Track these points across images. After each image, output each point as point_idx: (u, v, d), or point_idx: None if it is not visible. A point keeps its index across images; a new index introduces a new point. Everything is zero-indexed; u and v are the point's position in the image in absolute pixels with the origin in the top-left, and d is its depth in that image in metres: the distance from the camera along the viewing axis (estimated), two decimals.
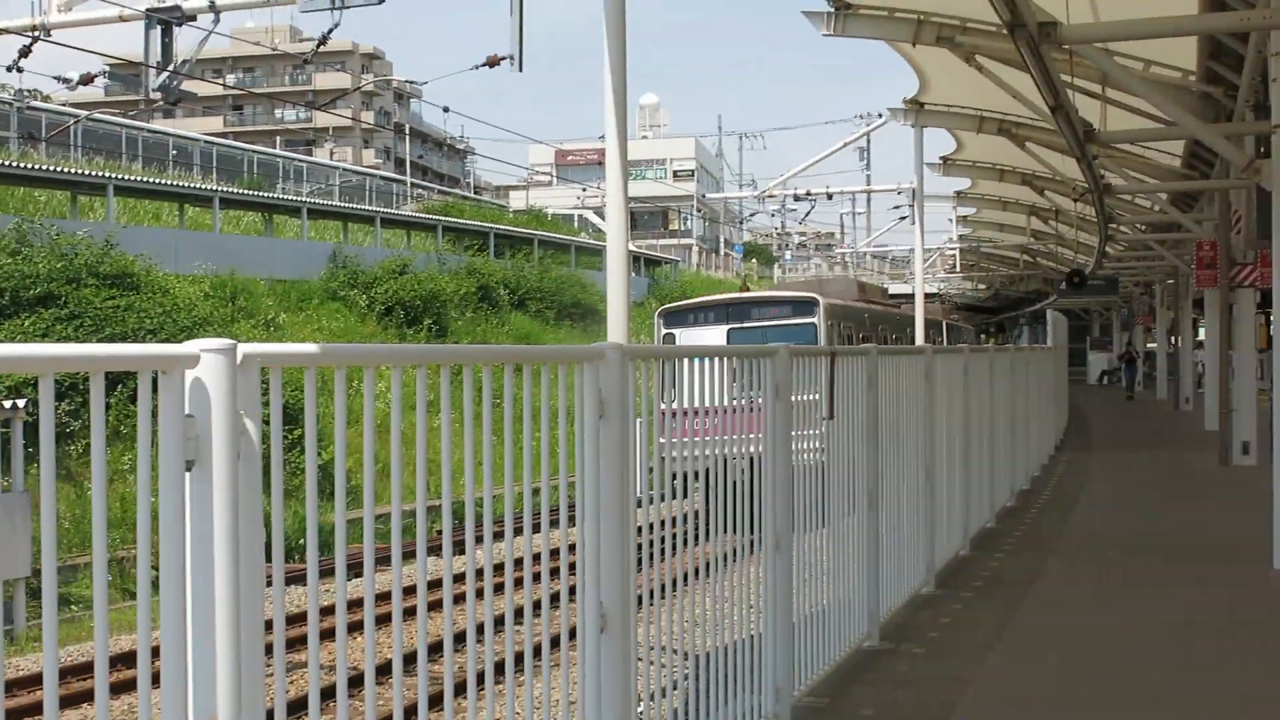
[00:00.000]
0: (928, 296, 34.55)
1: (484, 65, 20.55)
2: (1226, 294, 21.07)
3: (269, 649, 3.05)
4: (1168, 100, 15.02)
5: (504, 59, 19.54)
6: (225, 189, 43.77)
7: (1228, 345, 21.44)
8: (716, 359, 6.12)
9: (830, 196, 49.90)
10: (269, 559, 3.10)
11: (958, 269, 67.96)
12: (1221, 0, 13.49)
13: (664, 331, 25.10)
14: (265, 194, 47.59)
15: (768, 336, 23.03)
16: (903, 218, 60.61)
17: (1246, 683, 7.82)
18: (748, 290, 28.83)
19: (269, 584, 3.11)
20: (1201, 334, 36.16)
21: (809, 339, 23.62)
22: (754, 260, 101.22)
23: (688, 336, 24.34)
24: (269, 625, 3.10)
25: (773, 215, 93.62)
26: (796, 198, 51.31)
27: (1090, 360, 66.12)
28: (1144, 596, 10.52)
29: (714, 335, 24.29)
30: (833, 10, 16.35)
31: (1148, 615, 9.78)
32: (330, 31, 18.88)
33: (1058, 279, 41.67)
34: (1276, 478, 11.28)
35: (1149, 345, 54.42)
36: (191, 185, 42.58)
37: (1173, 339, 41.17)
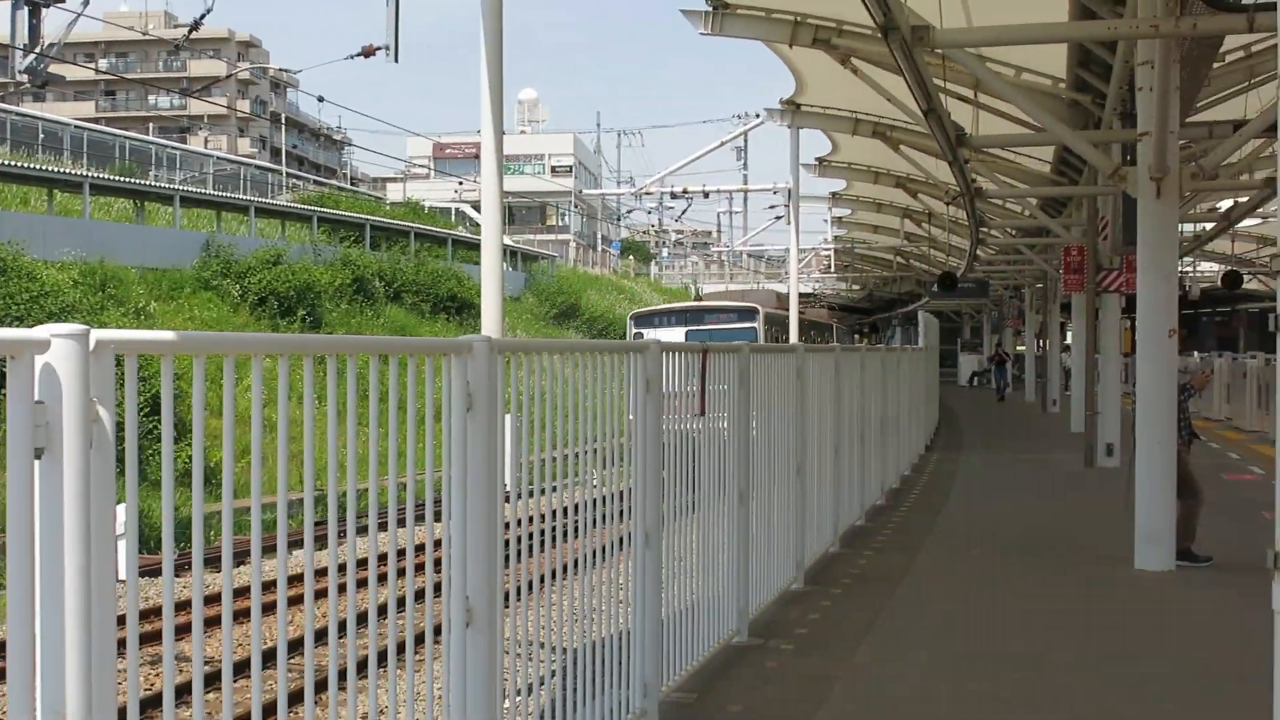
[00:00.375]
0: (804, 297, 35.99)
1: (359, 55, 20.37)
2: (1093, 299, 21.52)
3: (122, 644, 2.98)
4: (1038, 107, 15.29)
5: (380, 49, 19.38)
6: (96, 175, 42.78)
7: (1094, 349, 21.90)
8: (587, 352, 6.11)
9: (707, 195, 50.29)
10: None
11: (832, 269, 68.78)
12: (1090, 9, 13.76)
13: (634, 331, 31.67)
14: (137, 181, 46.60)
15: (715, 337, 28.52)
16: (778, 217, 61.22)
17: (1109, 676, 7.98)
18: (701, 300, 37.00)
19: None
20: (1069, 337, 36.90)
21: (752, 338, 29.95)
22: (631, 257, 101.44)
23: (653, 335, 29.17)
24: (122, 620, 3.02)
25: (650, 212, 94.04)
26: (674, 195, 51.59)
27: (961, 362, 67.04)
28: (1010, 595, 10.70)
29: (676, 335, 30.11)
30: (711, 9, 16.42)
31: (1013, 614, 9.95)
32: (204, 16, 18.60)
33: (930, 281, 42.29)
34: (1137, 481, 11.53)
35: (1018, 348, 55.32)
36: (61, 170, 41.55)
37: (1040, 342, 41.98)
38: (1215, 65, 14.13)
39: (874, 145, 23.48)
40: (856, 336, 71.61)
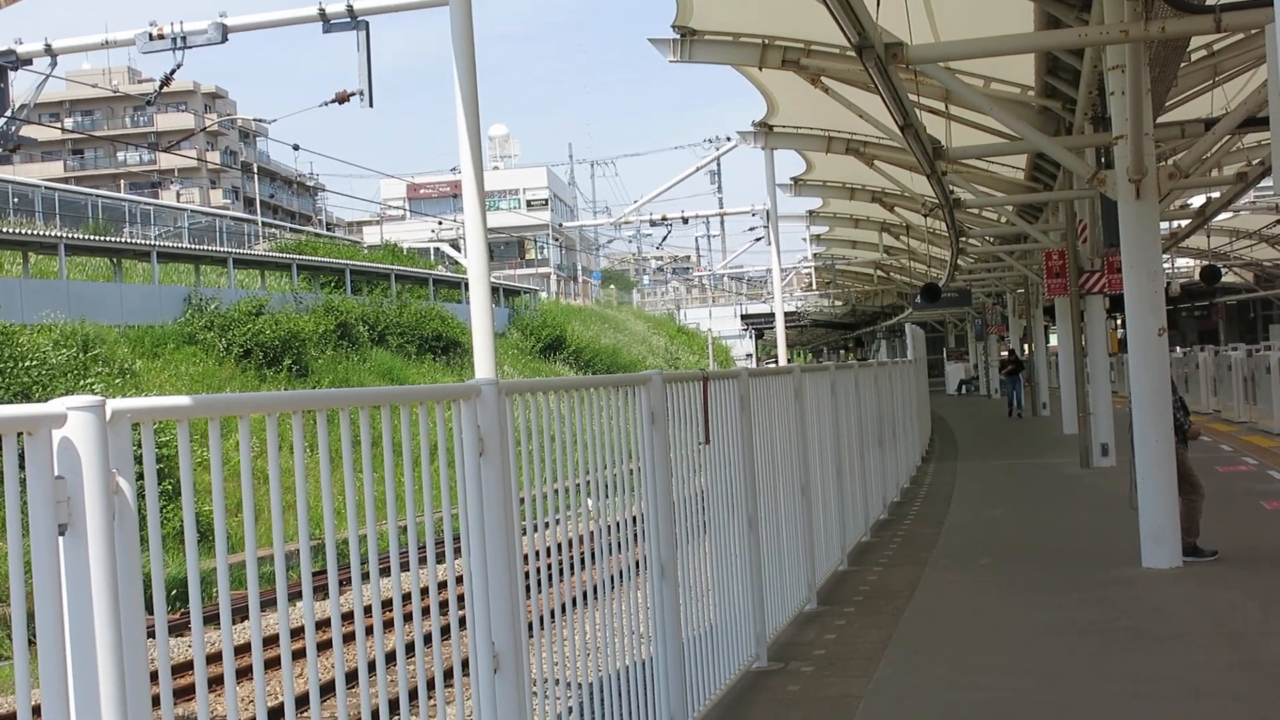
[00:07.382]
0: (788, 315, 35.88)
1: (333, 102, 20.35)
2: (1077, 301, 21.57)
3: (155, 701, 2.93)
4: (1012, 116, 15.31)
5: (354, 94, 19.36)
6: (70, 235, 42.66)
7: (1081, 351, 21.94)
8: (592, 388, 6.07)
9: (686, 221, 50.31)
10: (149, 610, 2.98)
11: (814, 286, 68.90)
12: (1055, 17, 13.80)
13: None
14: (113, 239, 46.50)
15: None
16: (758, 239, 61.37)
17: (1131, 679, 7.92)
18: None
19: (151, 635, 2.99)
20: (1053, 340, 36.92)
21: None
22: (612, 286, 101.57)
23: None
24: (154, 676, 2.97)
25: (629, 241, 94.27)
26: (652, 223, 51.66)
27: (948, 371, 67.26)
28: (1022, 602, 10.66)
29: None
30: (678, 37, 16.42)
31: (1028, 620, 9.91)
32: (174, 71, 18.58)
33: (911, 292, 42.34)
34: (1142, 480, 11.49)
35: (1002, 353, 55.17)
36: (35, 232, 41.44)
37: (1025, 346, 41.98)
38: (1181, 65, 14.18)
39: (848, 161, 23.48)
40: (841, 351, 71.68)
